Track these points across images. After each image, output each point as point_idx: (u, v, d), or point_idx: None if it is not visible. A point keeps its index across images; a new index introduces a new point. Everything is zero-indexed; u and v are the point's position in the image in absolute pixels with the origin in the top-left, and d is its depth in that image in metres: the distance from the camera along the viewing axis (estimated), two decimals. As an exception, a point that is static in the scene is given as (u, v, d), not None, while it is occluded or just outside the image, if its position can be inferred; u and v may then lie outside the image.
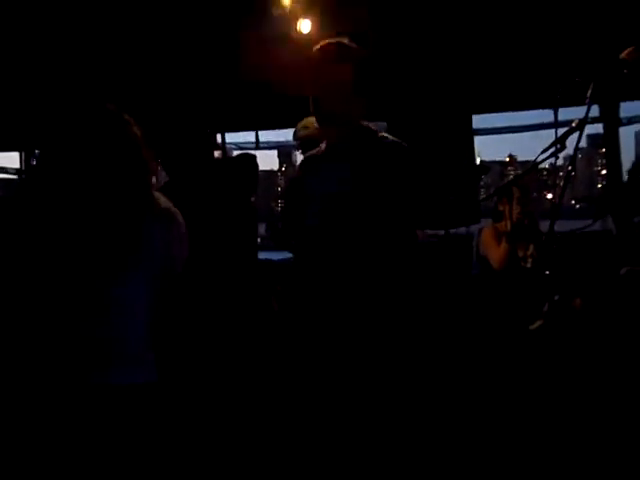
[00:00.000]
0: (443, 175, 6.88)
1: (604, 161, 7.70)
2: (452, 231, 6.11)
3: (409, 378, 3.30)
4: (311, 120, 3.64)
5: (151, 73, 6.77)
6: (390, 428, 3.07)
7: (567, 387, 4.45)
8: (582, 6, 6.34)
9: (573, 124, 2.98)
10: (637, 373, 4.62)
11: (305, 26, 6.01)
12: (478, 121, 7.70)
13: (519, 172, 3.84)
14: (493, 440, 4.32)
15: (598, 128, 7.23)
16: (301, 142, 4.24)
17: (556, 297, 4.42)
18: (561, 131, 3.05)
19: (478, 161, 7.96)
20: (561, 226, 2.86)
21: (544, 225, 4.06)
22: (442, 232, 5.97)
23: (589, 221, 3.90)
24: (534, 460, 4.09)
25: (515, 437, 4.26)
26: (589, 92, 2.94)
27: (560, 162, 3.24)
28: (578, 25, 6.40)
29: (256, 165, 4.72)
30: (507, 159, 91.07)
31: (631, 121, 7.31)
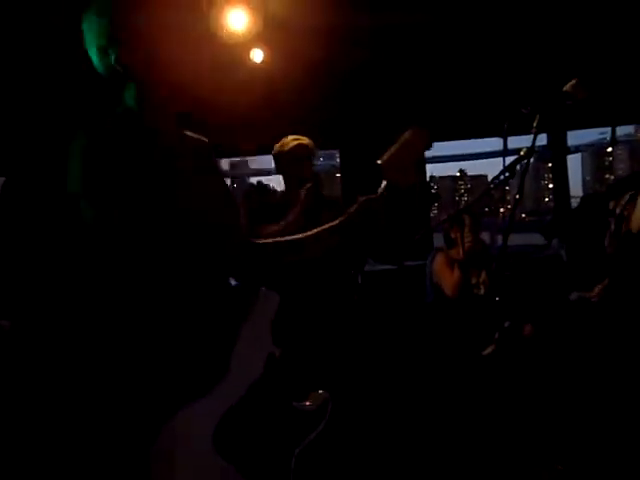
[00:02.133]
0: (396, 206, 6.94)
1: (551, 175, 7.86)
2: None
3: (364, 404, 3.31)
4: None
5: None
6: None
7: (518, 411, 4.50)
8: (528, 40, 6.50)
9: (521, 152, 3.04)
10: (586, 396, 4.69)
11: (257, 56, 6.01)
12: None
13: (469, 186, 3.91)
14: (444, 461, 4.35)
15: (544, 139, 7.37)
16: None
17: (507, 323, 4.49)
18: (510, 159, 3.11)
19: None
20: (511, 240, 2.94)
21: (499, 239, 4.14)
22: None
23: (537, 235, 3.97)
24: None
25: (466, 457, 4.30)
26: (535, 122, 3.01)
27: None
28: (524, 59, 6.55)
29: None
30: (458, 174, 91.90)
31: (578, 149, 7.47)
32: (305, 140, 4.04)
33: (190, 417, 1.90)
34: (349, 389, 3.24)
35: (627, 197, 3.91)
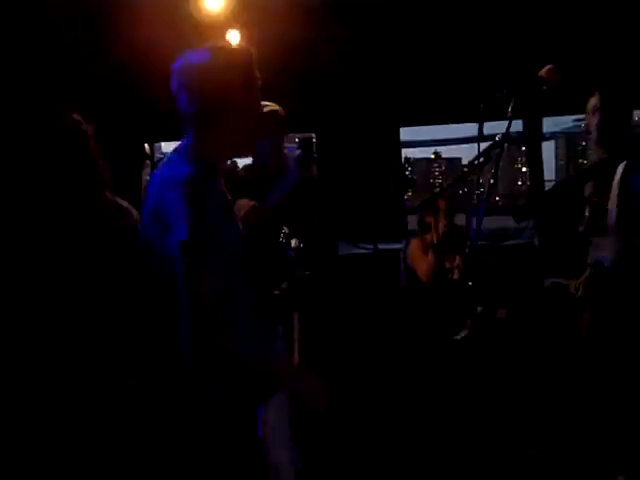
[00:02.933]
0: (371, 189, 6.94)
1: (524, 159, 7.89)
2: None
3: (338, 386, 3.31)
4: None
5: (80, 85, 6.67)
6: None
7: (491, 394, 4.54)
8: (504, 25, 6.51)
9: (497, 138, 3.04)
10: (559, 381, 4.73)
11: (234, 37, 5.95)
12: (404, 133, 7.81)
13: (444, 169, 3.92)
14: (417, 446, 4.38)
15: (519, 126, 7.39)
16: None
17: (480, 308, 4.52)
18: (485, 144, 3.12)
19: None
20: (486, 223, 2.94)
21: (474, 222, 4.14)
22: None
23: (511, 218, 3.97)
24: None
25: (439, 442, 4.33)
26: (510, 107, 3.01)
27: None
28: (500, 43, 6.56)
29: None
30: (433, 156, 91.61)
31: (553, 136, 7.50)
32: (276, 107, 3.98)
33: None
34: (325, 372, 3.23)
35: (602, 183, 3.92)
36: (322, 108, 7.04)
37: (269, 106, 3.88)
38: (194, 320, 2.01)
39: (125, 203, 2.74)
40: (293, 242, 3.07)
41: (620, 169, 3.69)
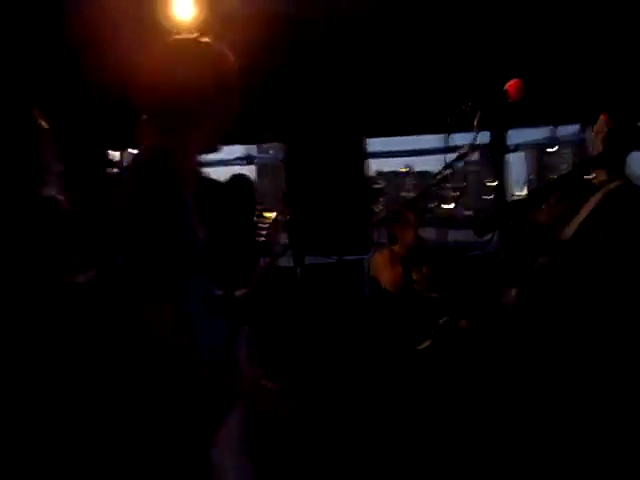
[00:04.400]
0: (336, 200, 6.94)
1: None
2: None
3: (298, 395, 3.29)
4: None
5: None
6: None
7: (452, 404, 4.55)
8: (471, 38, 6.56)
9: (463, 150, 3.05)
10: (519, 392, 4.75)
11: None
12: (371, 144, 7.84)
13: (415, 183, 3.94)
14: (379, 454, 4.38)
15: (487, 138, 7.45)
16: None
17: (443, 319, 4.54)
18: (451, 156, 3.13)
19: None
20: (454, 236, 2.95)
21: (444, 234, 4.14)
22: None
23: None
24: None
25: (401, 450, 4.33)
26: (476, 120, 3.02)
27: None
28: (467, 55, 6.61)
29: (251, 185, 4.54)
30: (404, 170, 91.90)
31: (518, 148, 7.56)
32: None
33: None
34: (288, 380, 3.22)
35: (552, 202, 3.95)
36: (291, 119, 7.04)
37: None
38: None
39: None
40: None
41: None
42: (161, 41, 2.27)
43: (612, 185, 3.74)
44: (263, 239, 2.75)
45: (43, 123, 2.68)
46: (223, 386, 2.18)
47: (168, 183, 2.11)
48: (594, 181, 3.81)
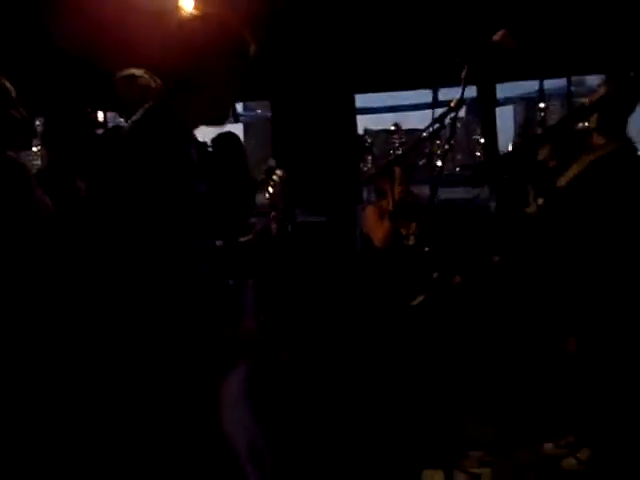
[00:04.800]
0: (324, 158, 6.93)
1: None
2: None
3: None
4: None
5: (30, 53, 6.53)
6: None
7: (446, 360, 4.58)
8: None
9: (451, 104, 3.04)
10: (510, 349, 4.80)
11: (188, 4, 5.84)
12: (360, 100, 7.81)
13: (404, 140, 3.94)
14: (374, 412, 4.42)
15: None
16: None
17: (435, 274, 4.54)
18: (439, 111, 3.11)
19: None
20: (444, 193, 2.96)
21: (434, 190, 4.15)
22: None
23: (469, 188, 4.00)
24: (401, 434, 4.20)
25: (396, 408, 4.37)
26: (464, 74, 3.01)
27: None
28: (454, 9, 6.56)
29: (238, 141, 4.54)
30: (393, 127, 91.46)
31: (507, 102, 7.53)
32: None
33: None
34: (283, 337, 3.23)
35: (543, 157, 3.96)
36: (277, 76, 6.99)
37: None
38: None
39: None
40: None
41: None
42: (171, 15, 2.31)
43: (608, 148, 3.74)
44: (270, 196, 2.83)
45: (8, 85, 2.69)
46: (225, 336, 2.19)
47: (177, 137, 2.18)
48: (593, 143, 3.81)
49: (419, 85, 7.07)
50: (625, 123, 3.81)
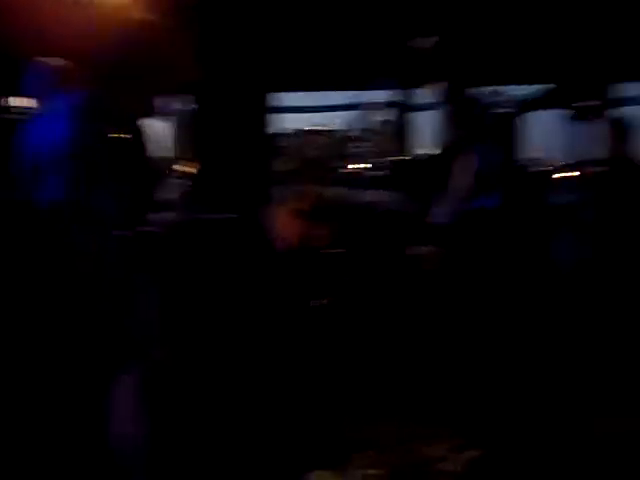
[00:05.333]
0: (237, 156, 6.87)
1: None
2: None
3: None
4: None
5: None
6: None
7: (351, 361, 4.59)
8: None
9: (371, 107, 3.03)
10: (410, 349, 4.84)
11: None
12: (279, 99, 7.77)
13: (324, 141, 3.96)
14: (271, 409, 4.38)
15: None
16: None
17: (345, 276, 4.55)
18: (359, 113, 3.11)
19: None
20: (362, 195, 2.97)
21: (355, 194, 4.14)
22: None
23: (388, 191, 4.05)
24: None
25: (295, 405, 4.34)
26: (386, 78, 3.01)
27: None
28: (376, 12, 6.58)
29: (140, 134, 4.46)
30: (319, 128, 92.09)
31: (425, 107, 7.59)
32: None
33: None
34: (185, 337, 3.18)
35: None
36: (198, 72, 6.91)
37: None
38: None
39: None
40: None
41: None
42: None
43: None
44: (180, 193, 2.82)
45: None
46: (123, 329, 2.18)
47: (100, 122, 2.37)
48: None
49: (339, 87, 7.06)
50: None
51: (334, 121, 8.41)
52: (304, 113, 8.93)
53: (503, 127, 3.63)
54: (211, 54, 6.76)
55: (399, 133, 7.85)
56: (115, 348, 2.19)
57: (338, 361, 4.50)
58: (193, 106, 7.26)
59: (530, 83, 5.94)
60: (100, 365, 2.14)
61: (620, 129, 5.41)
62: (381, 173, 5.40)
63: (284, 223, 4.83)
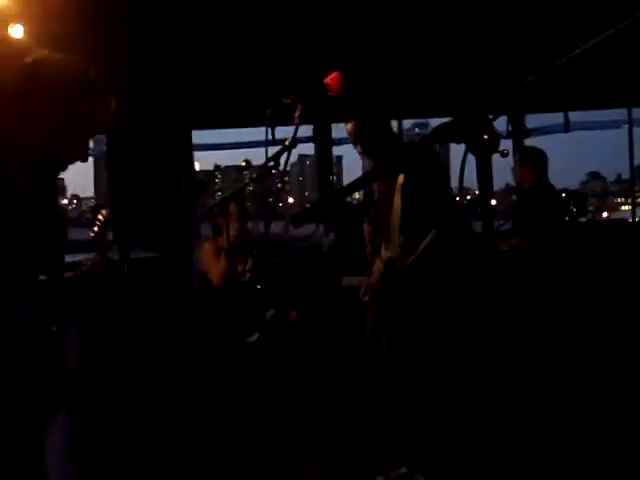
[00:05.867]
0: (161, 193, 6.85)
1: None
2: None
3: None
4: None
5: None
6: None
7: (283, 395, 4.62)
8: (292, 31, 6.66)
9: (286, 143, 3.09)
10: (350, 380, 4.88)
11: (17, 31, 5.67)
12: (208, 137, 7.84)
13: (254, 176, 3.99)
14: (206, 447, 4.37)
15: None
16: None
17: (271, 311, 4.57)
18: (274, 149, 3.16)
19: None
20: (281, 228, 2.99)
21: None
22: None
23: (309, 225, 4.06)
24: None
25: (230, 443, 4.34)
26: (297, 113, 3.06)
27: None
28: (287, 49, 6.70)
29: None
30: (243, 164, 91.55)
31: (342, 142, 7.71)
32: None
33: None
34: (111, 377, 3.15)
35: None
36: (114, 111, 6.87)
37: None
38: None
39: None
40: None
41: (400, 179, 3.85)
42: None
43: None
44: (93, 235, 2.80)
45: None
46: (50, 375, 2.15)
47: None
48: None
49: (256, 123, 7.12)
50: None
51: (258, 157, 8.48)
52: (224, 150, 8.97)
53: (420, 158, 3.70)
54: (132, 95, 6.77)
55: (322, 167, 7.96)
56: (43, 393, 2.16)
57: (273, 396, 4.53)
58: (110, 145, 7.23)
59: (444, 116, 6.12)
60: (31, 409, 2.12)
61: (533, 158, 5.60)
62: (306, 206, 5.46)
63: (208, 259, 4.83)
